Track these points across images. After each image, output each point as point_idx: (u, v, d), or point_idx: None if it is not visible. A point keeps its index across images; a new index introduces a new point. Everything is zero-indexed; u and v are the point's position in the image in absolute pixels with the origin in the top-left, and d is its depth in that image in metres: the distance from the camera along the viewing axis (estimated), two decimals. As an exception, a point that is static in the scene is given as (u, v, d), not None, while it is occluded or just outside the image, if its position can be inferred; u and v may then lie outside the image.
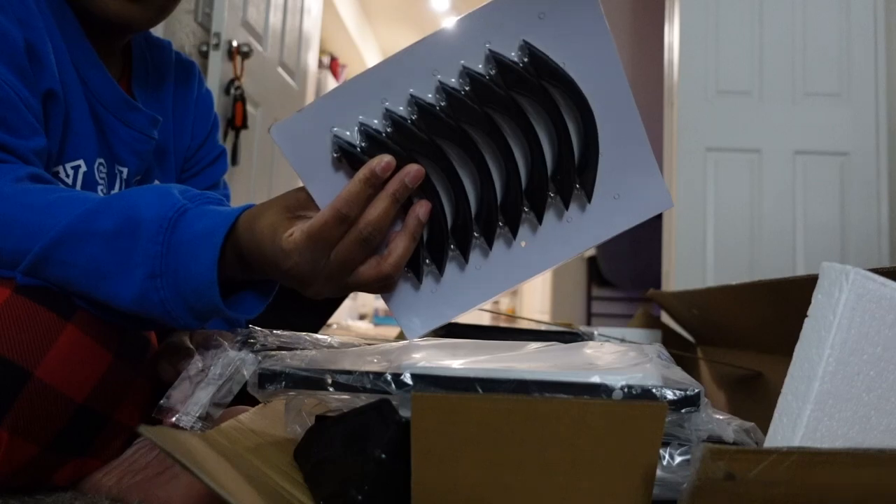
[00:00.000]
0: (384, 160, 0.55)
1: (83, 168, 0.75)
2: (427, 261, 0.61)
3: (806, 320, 0.44)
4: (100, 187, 0.77)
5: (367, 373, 0.51)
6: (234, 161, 2.32)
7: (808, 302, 0.44)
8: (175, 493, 0.63)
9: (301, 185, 0.58)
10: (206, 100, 0.98)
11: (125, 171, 0.81)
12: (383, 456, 0.45)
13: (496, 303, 7.47)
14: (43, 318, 0.58)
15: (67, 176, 0.74)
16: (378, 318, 6.49)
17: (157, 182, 0.87)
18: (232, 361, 0.57)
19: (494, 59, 0.55)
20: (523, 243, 0.61)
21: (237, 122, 2.27)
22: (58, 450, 0.61)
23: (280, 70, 2.74)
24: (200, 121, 0.96)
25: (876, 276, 0.43)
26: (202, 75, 0.98)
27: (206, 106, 0.98)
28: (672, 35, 2.64)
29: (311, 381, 0.53)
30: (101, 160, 0.78)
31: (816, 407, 0.42)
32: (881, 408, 0.43)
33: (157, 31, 1.99)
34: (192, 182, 0.97)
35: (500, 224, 0.60)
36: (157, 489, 0.63)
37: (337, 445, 0.51)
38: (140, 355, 0.66)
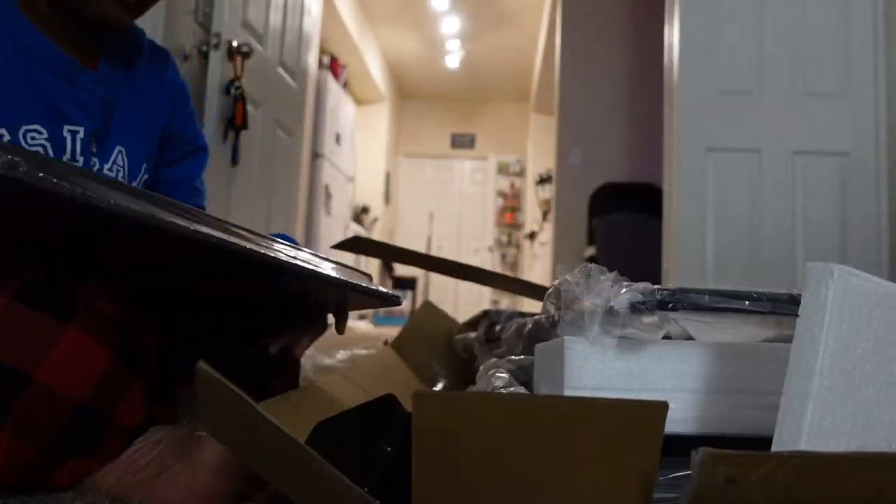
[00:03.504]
0: None
1: (6, 137, 0.76)
2: None
3: (798, 321, 0.44)
4: (37, 150, 0.79)
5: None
6: (234, 161, 2.32)
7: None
8: (175, 493, 0.63)
9: None
10: (182, 89, 1.03)
11: (80, 130, 0.84)
12: (389, 449, 0.45)
13: (496, 302, 7.47)
14: (43, 323, 0.58)
15: None
16: (378, 319, 6.49)
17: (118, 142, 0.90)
18: None
19: None
20: None
21: (237, 122, 2.27)
22: (59, 450, 0.61)
23: (280, 70, 2.74)
24: (177, 106, 1.00)
25: (859, 273, 0.44)
26: (177, 66, 1.03)
27: (183, 95, 1.02)
28: (672, 35, 2.64)
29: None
30: (37, 126, 0.80)
31: (818, 403, 0.42)
32: (881, 402, 0.43)
33: (158, 32, 1.99)
34: (170, 171, 1.00)
35: None
36: (157, 489, 0.63)
37: (343, 440, 0.51)
38: (139, 355, 0.66)
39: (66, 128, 0.82)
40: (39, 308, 0.59)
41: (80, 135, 0.83)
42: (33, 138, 0.79)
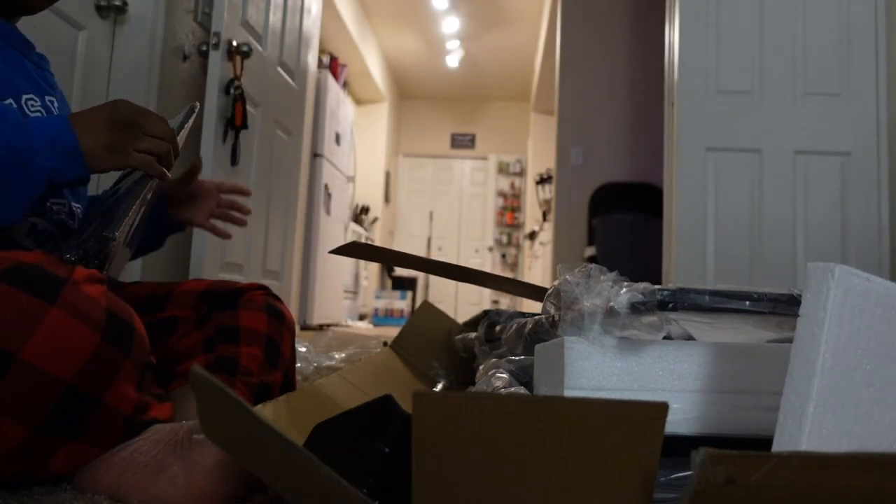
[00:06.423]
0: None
1: (14, 104, 0.83)
2: None
3: (798, 320, 0.44)
4: (36, 116, 0.86)
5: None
6: (234, 161, 2.32)
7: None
8: (174, 493, 0.63)
9: None
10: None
11: (55, 99, 0.92)
12: (388, 450, 0.45)
13: (496, 302, 7.47)
14: (25, 303, 0.59)
15: None
16: (378, 319, 6.49)
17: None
18: None
19: None
20: None
21: (237, 122, 2.26)
22: (49, 432, 0.62)
23: (280, 70, 2.74)
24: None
25: (860, 273, 0.43)
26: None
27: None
28: (672, 35, 2.64)
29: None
30: (32, 95, 0.87)
31: (819, 403, 0.42)
32: (883, 402, 0.43)
33: (158, 31, 1.99)
34: None
35: None
36: (156, 489, 0.63)
37: (342, 441, 0.51)
38: (128, 338, 0.66)
39: (46, 97, 0.89)
40: (23, 289, 0.59)
41: (56, 104, 0.91)
42: (32, 105, 0.86)
